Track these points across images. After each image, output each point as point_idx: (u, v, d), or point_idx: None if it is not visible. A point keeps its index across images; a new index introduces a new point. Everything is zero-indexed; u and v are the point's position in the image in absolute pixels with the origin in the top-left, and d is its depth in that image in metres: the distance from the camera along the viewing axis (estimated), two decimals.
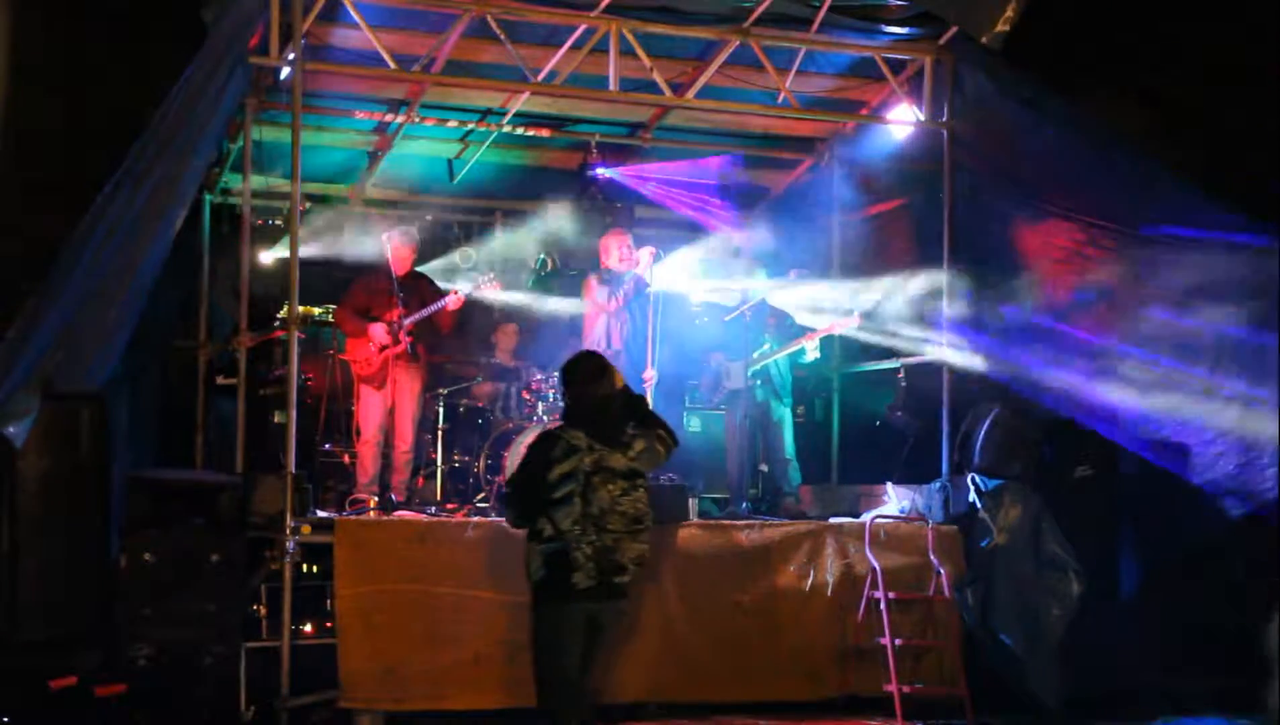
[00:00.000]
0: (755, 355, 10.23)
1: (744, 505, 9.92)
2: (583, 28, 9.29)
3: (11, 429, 7.67)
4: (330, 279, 10.57)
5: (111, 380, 8.57)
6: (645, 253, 9.85)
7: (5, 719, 7.43)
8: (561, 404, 6.91)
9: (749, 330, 10.22)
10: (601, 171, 11.19)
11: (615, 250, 10.02)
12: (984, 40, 9.41)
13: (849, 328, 10.14)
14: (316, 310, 11.22)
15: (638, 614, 8.12)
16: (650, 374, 9.67)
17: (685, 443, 10.45)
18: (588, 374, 6.41)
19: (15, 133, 8.56)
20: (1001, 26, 9.37)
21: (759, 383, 10.23)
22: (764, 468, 10.51)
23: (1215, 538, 9.44)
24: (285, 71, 9.09)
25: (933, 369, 9.99)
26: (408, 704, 8.13)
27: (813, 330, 10.18)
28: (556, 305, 11.44)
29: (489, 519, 8.61)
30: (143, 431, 9.61)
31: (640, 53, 9.38)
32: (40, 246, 8.53)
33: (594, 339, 9.94)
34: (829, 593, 8.98)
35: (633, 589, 6.31)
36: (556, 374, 10.23)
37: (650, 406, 6.71)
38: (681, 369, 10.52)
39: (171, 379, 10.73)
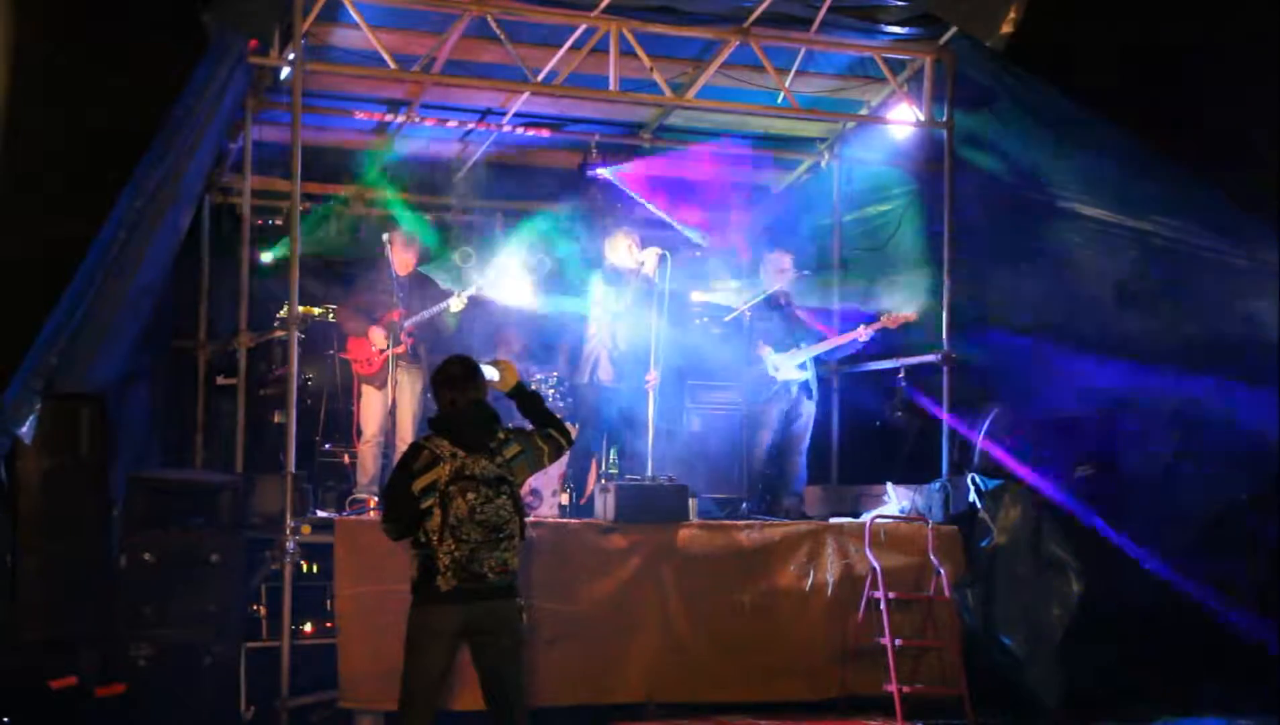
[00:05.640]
0: (799, 347, 10.11)
1: (744, 505, 9.91)
2: (583, 28, 9.29)
3: (22, 429, 7.69)
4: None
5: (115, 380, 8.58)
6: (651, 253, 9.81)
7: (5, 719, 7.43)
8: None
9: (790, 322, 10.15)
10: (601, 171, 11.17)
11: (624, 247, 9.98)
12: (988, 43, 9.43)
13: (906, 321, 9.97)
14: (316, 310, 11.20)
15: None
16: (653, 375, 9.63)
17: (688, 442, 10.52)
18: (450, 379, 6.22)
19: (15, 135, 8.54)
20: (1005, 28, 9.38)
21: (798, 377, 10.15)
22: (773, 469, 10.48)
23: (1217, 536, 9.48)
24: (285, 71, 9.10)
25: (933, 369, 9.97)
26: None
27: (875, 319, 10.04)
28: (556, 306, 11.40)
29: None
30: (143, 431, 9.60)
31: (640, 53, 9.38)
32: (39, 249, 8.53)
33: (598, 340, 9.92)
34: (829, 593, 8.99)
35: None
36: (555, 374, 10.26)
37: (543, 404, 6.51)
38: (685, 370, 10.49)
39: (171, 379, 10.71)
